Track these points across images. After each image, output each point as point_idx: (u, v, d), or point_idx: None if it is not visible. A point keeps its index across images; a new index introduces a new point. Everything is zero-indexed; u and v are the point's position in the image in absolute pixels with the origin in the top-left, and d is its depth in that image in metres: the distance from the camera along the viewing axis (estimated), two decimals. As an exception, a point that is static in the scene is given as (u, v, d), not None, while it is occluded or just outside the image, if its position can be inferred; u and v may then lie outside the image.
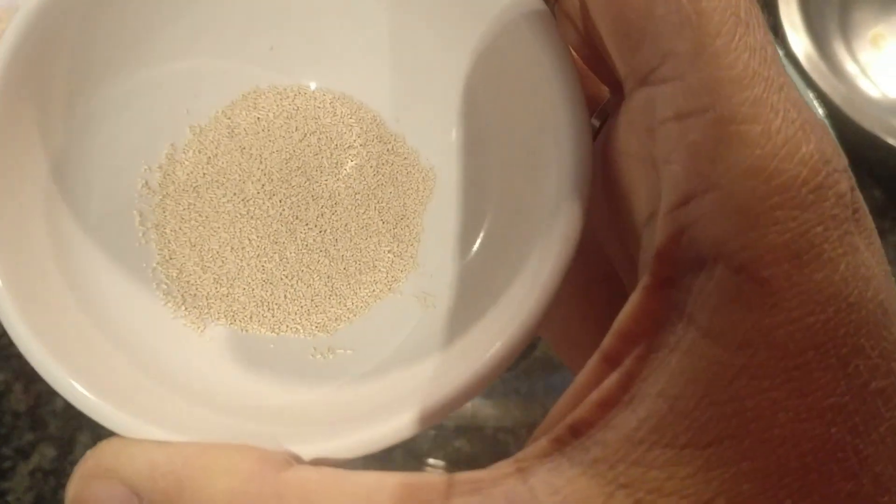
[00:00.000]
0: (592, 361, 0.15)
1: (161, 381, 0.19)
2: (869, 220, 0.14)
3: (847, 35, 0.57)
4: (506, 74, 0.21)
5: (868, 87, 0.55)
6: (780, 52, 0.52)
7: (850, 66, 0.56)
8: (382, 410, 0.18)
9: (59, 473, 0.45)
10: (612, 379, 0.14)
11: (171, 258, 0.21)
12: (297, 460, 0.16)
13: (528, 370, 0.47)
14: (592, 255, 0.20)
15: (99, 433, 0.17)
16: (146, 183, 0.22)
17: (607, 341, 0.15)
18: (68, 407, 0.17)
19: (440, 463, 0.45)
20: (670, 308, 0.14)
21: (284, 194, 0.22)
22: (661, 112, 0.15)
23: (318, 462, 0.16)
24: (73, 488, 0.16)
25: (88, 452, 0.16)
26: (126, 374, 0.19)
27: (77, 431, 0.45)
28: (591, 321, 0.21)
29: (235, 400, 0.20)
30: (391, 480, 0.15)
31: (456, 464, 0.45)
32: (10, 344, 0.17)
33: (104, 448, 0.16)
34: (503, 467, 0.15)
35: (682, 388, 0.14)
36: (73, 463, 0.44)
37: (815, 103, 0.51)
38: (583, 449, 0.14)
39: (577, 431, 0.14)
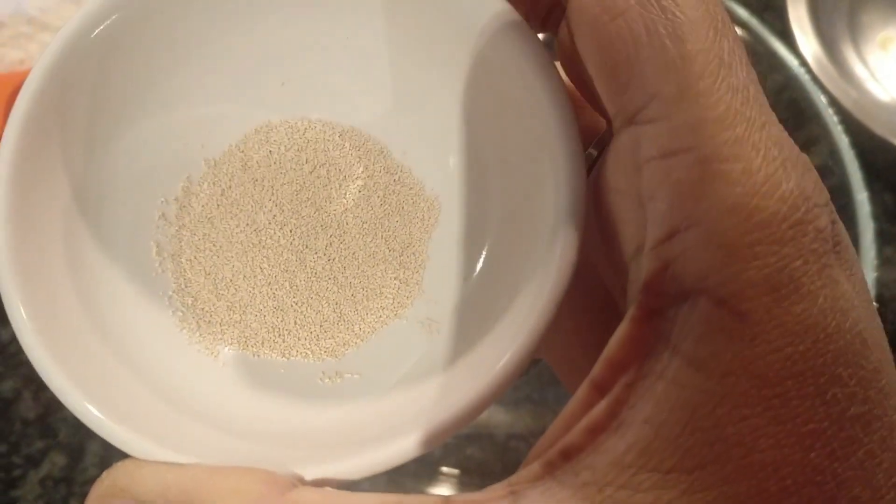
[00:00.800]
0: (582, 388, 0.16)
1: (174, 405, 0.20)
2: (851, 253, 0.15)
3: (856, 38, 0.56)
4: (502, 106, 0.22)
5: (877, 91, 0.54)
6: (795, 62, 0.52)
7: (859, 69, 0.55)
8: (387, 432, 0.18)
9: (70, 482, 0.44)
10: (601, 406, 0.15)
11: (186, 286, 0.22)
12: (302, 482, 0.17)
13: (540, 377, 0.47)
14: (590, 281, 0.21)
15: (109, 443, 0.17)
16: (163, 214, 0.23)
17: (597, 369, 0.15)
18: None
19: (454, 471, 0.45)
20: (656, 338, 0.15)
21: (295, 224, 0.23)
22: (646, 151, 0.15)
23: (321, 483, 0.17)
24: None
25: (105, 473, 0.17)
26: (141, 399, 0.19)
27: (87, 439, 0.45)
28: (589, 346, 0.22)
29: (245, 423, 0.20)
30: (390, 500, 0.15)
31: (468, 471, 0.45)
32: (19, 352, 0.18)
33: (119, 469, 0.17)
34: (497, 490, 0.15)
35: (668, 415, 0.14)
36: (84, 471, 0.44)
37: (830, 110, 0.50)
38: (573, 473, 0.15)
39: (568, 456, 0.15)
